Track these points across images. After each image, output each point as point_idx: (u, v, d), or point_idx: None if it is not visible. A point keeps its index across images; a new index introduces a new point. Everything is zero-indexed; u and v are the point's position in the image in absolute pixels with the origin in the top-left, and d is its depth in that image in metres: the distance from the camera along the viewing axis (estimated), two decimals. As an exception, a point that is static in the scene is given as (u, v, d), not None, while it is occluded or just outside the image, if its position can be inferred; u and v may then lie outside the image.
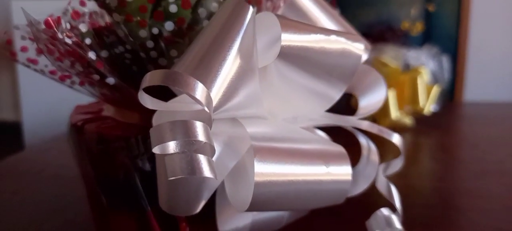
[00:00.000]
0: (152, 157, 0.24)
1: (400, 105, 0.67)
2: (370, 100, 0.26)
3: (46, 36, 0.21)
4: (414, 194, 0.44)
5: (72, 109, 0.31)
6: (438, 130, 0.72)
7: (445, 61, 0.71)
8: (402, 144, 0.24)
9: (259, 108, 0.21)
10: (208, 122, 0.17)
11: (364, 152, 0.26)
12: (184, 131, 0.16)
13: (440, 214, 0.39)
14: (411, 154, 0.61)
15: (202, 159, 0.16)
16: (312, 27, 0.20)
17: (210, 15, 0.22)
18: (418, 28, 0.67)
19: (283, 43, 0.19)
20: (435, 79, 0.70)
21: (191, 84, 0.17)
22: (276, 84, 0.21)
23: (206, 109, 0.17)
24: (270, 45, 0.20)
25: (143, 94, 0.18)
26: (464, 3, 1.71)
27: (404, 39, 0.69)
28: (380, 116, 0.67)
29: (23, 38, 0.26)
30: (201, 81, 0.17)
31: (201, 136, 0.16)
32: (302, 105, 0.23)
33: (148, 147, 0.24)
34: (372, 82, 0.25)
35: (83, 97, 0.31)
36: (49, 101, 1.80)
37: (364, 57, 0.24)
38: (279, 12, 0.24)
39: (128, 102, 0.24)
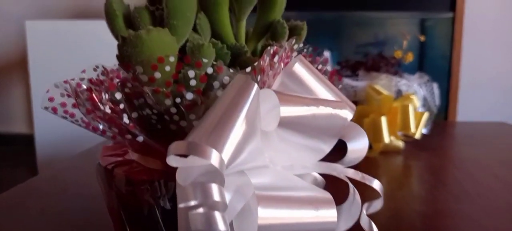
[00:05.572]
0: (172, 197, 0.29)
1: (393, 131, 0.71)
2: (355, 147, 0.30)
3: (88, 102, 0.26)
4: (399, 217, 0.48)
5: (100, 150, 0.35)
6: (428, 151, 0.76)
7: (436, 88, 0.76)
8: (381, 188, 0.29)
9: (260, 160, 0.26)
10: (221, 180, 0.22)
11: (350, 193, 0.30)
12: (202, 192, 0.21)
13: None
14: (400, 177, 0.65)
15: (218, 215, 0.20)
16: (304, 99, 0.25)
17: (223, 85, 0.26)
18: (409, 58, 0.72)
19: (281, 115, 0.24)
20: (426, 105, 0.75)
21: (207, 152, 0.21)
22: (276, 142, 0.26)
23: (220, 170, 0.22)
24: (271, 117, 0.25)
25: (170, 158, 0.23)
26: (457, 27, 1.77)
27: (396, 68, 0.74)
28: (373, 140, 0.71)
29: (62, 95, 0.31)
30: (214, 146, 0.22)
31: (216, 196, 0.21)
32: (298, 157, 0.28)
33: (168, 189, 0.29)
34: (357, 134, 0.29)
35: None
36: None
37: (349, 117, 0.28)
38: (278, 78, 0.29)
39: (152, 152, 0.29)
